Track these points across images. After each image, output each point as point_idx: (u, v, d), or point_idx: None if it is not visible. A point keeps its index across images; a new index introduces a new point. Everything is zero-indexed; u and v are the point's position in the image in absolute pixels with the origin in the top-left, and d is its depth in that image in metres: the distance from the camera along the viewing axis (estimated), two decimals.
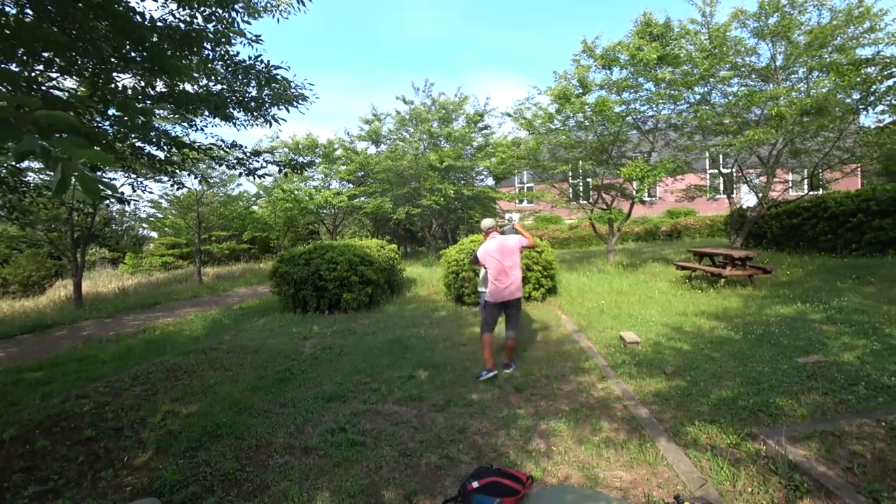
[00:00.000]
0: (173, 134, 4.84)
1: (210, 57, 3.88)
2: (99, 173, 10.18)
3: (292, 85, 4.37)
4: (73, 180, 1.16)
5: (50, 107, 2.70)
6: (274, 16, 4.54)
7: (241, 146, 5.01)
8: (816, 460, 2.61)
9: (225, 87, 4.20)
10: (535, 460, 2.93)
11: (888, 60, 8.22)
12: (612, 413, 3.56)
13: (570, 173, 13.85)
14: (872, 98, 8.72)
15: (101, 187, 1.24)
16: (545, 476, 2.76)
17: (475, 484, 2.25)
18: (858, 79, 8.20)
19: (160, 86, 3.85)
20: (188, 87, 4.06)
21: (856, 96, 8.98)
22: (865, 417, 3.03)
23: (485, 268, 4.72)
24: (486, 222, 4.92)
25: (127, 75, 3.65)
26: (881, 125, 10.27)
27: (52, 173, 1.14)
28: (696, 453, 2.87)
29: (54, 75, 3.54)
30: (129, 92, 3.46)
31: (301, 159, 17.47)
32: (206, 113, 4.30)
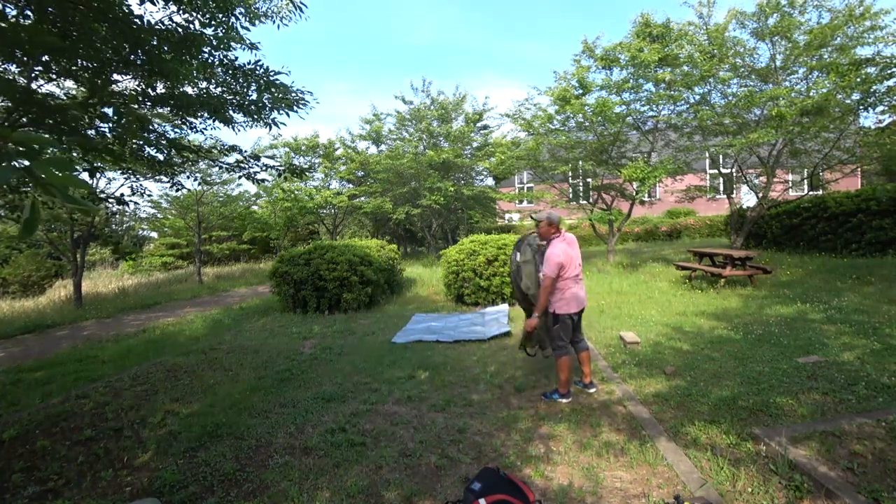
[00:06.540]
0: (172, 136, 4.84)
1: (210, 61, 3.88)
2: (98, 174, 10.19)
3: (292, 90, 4.39)
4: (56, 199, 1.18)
5: (43, 112, 2.71)
6: (274, 22, 4.55)
7: (239, 149, 5.02)
8: (816, 460, 2.62)
9: (225, 90, 4.21)
10: (534, 461, 2.93)
11: (888, 60, 8.21)
12: (612, 413, 3.56)
13: (570, 174, 13.85)
14: (872, 98, 8.72)
15: (83, 202, 1.27)
16: (546, 476, 2.76)
17: (482, 502, 2.24)
18: (858, 79, 8.20)
19: (160, 88, 3.86)
20: (188, 90, 4.06)
21: (856, 97, 8.98)
22: (865, 417, 3.03)
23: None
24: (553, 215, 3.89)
25: (127, 77, 3.66)
26: (881, 125, 10.26)
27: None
28: (696, 453, 2.87)
29: (53, 77, 3.55)
30: (128, 94, 3.47)
31: (301, 160, 17.50)
32: (206, 115, 4.30)
